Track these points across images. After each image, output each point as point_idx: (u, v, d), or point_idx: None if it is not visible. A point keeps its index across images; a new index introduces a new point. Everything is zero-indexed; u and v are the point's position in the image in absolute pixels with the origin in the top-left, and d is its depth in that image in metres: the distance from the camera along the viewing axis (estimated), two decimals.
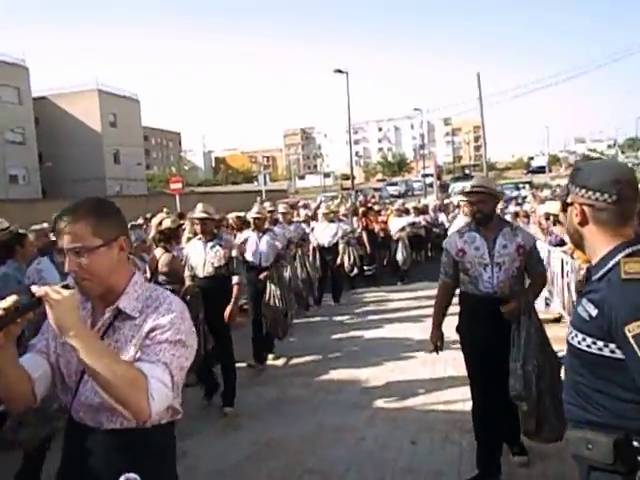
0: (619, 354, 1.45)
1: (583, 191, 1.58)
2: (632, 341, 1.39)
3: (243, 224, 8.60)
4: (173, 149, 77.03)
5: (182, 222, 7.82)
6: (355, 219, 12.26)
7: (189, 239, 6.23)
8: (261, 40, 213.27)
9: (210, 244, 5.05)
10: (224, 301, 4.93)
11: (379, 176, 70.43)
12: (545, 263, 5.10)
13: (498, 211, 3.93)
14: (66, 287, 1.48)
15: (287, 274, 7.37)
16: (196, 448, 4.22)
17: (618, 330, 1.42)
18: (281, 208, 9.76)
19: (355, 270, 10.70)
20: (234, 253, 5.14)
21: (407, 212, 15.34)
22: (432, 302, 3.75)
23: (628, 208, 1.55)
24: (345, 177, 56.75)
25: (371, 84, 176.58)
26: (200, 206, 5.30)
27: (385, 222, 13.33)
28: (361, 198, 20.54)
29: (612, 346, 1.46)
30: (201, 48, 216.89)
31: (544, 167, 62.21)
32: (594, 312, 1.50)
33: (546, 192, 21.42)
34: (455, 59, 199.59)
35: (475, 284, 3.39)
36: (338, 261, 10.04)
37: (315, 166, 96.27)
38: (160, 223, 6.12)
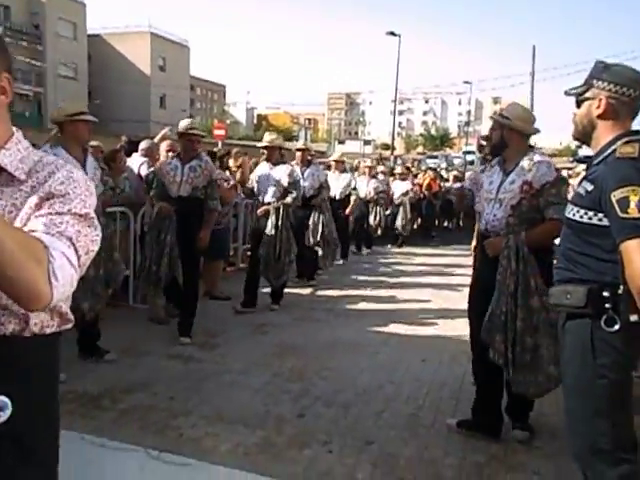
0: (605, 222, 1.75)
1: (612, 85, 1.84)
2: (615, 204, 1.68)
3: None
4: (217, 101, 77.29)
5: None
6: (391, 179, 12.48)
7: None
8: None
9: (190, 164, 4.65)
10: (197, 226, 4.70)
11: (420, 149, 69.59)
12: None
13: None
14: None
15: (317, 218, 6.93)
16: (225, 344, 4.69)
17: (605, 197, 1.72)
18: (335, 156, 9.73)
19: (379, 231, 10.61)
20: (214, 176, 4.88)
21: (442, 178, 15.56)
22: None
23: (638, 105, 1.84)
24: (385, 146, 56.34)
25: (420, 51, 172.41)
26: (186, 122, 4.80)
27: (420, 185, 13.58)
28: (399, 162, 20.67)
29: (600, 215, 1.77)
30: (251, 3, 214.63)
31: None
32: (590, 187, 1.80)
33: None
34: (510, 31, 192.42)
35: (480, 221, 3.19)
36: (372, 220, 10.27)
37: (356, 132, 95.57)
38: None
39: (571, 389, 1.88)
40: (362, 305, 6.23)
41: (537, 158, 2.98)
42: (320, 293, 6.81)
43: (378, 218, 10.50)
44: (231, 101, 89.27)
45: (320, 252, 7.11)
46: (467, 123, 61.28)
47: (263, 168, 5.80)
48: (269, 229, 5.54)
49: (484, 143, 3.54)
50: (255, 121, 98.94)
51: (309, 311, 5.92)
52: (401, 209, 11.34)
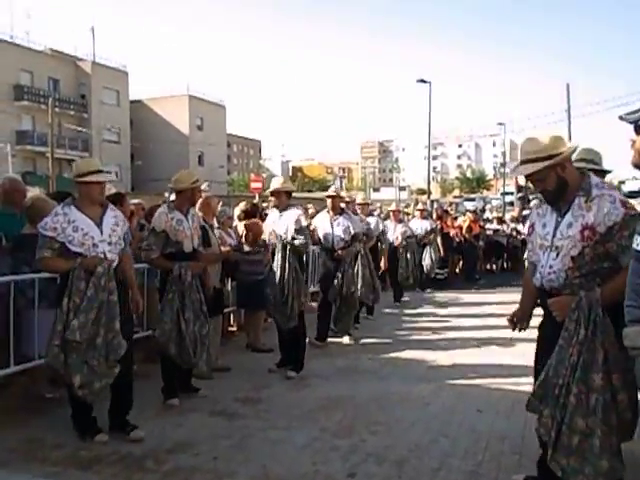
0: None
1: None
2: None
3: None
4: (253, 156, 79.41)
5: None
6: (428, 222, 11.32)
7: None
8: (342, 51, 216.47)
9: (189, 215, 4.49)
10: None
11: (456, 192, 69.32)
12: None
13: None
14: None
15: (342, 272, 6.17)
16: (269, 399, 4.53)
17: None
18: (359, 199, 8.96)
19: (410, 280, 9.49)
20: (201, 221, 4.85)
21: (485, 221, 15.29)
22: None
23: None
24: (421, 192, 56.25)
25: (451, 96, 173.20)
26: (188, 176, 4.59)
27: (461, 227, 13.35)
28: (436, 206, 20.47)
29: None
30: (283, 59, 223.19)
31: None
32: None
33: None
34: (541, 71, 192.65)
35: (535, 272, 2.71)
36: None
37: (391, 179, 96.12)
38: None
39: None
40: (408, 354, 5.98)
41: (595, 192, 2.46)
42: (363, 342, 6.61)
43: (411, 265, 9.53)
44: (266, 155, 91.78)
45: (333, 311, 6.28)
46: (503, 164, 60.79)
47: (273, 216, 5.44)
48: (275, 268, 5.13)
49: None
50: (290, 173, 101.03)
51: (353, 361, 5.72)
52: (428, 249, 10.58)
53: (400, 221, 9.89)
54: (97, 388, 3.46)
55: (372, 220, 8.48)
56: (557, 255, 2.51)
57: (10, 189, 4.65)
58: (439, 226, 11.98)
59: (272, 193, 5.43)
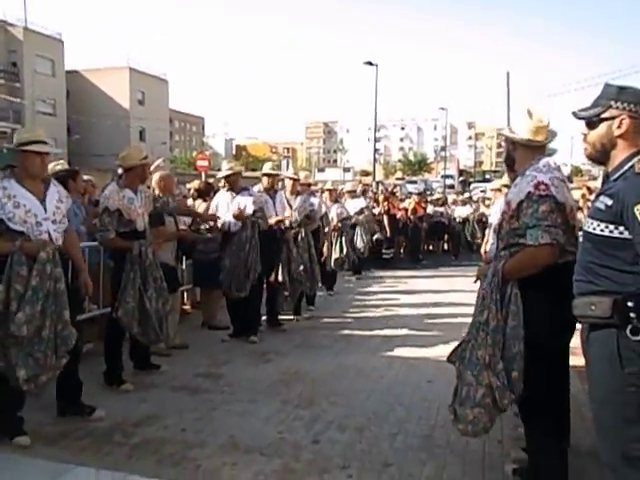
0: (626, 235, 1.84)
1: (632, 105, 1.94)
2: (639, 217, 1.76)
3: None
4: (196, 133, 77.75)
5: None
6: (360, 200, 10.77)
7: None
8: (289, 30, 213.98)
9: (139, 192, 4.40)
10: None
11: (398, 174, 70.62)
12: None
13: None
14: None
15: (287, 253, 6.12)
16: (230, 374, 4.65)
17: (628, 211, 1.80)
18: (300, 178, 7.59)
19: (346, 265, 9.07)
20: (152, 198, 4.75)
21: (427, 202, 15.76)
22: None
23: None
24: (365, 173, 56.93)
25: (396, 79, 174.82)
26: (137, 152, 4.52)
27: (406, 209, 13.73)
28: (382, 188, 20.87)
29: (621, 228, 1.85)
30: (227, 35, 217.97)
31: (568, 178, 61.49)
32: (610, 202, 1.88)
33: None
34: (485, 58, 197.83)
35: None
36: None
37: (335, 160, 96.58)
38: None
39: (600, 399, 1.93)
40: (360, 330, 6.22)
41: (527, 172, 2.56)
42: (318, 319, 6.81)
43: (345, 250, 8.85)
44: (209, 133, 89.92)
45: (286, 292, 6.21)
46: (443, 148, 62.35)
47: (224, 197, 5.71)
48: (242, 241, 5.41)
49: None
50: (234, 152, 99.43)
51: (309, 337, 5.91)
52: (358, 230, 9.86)
53: (336, 201, 9.25)
54: (43, 381, 3.21)
55: (315, 201, 7.53)
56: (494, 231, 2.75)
57: None
58: (386, 207, 12.30)
59: (228, 176, 5.74)
